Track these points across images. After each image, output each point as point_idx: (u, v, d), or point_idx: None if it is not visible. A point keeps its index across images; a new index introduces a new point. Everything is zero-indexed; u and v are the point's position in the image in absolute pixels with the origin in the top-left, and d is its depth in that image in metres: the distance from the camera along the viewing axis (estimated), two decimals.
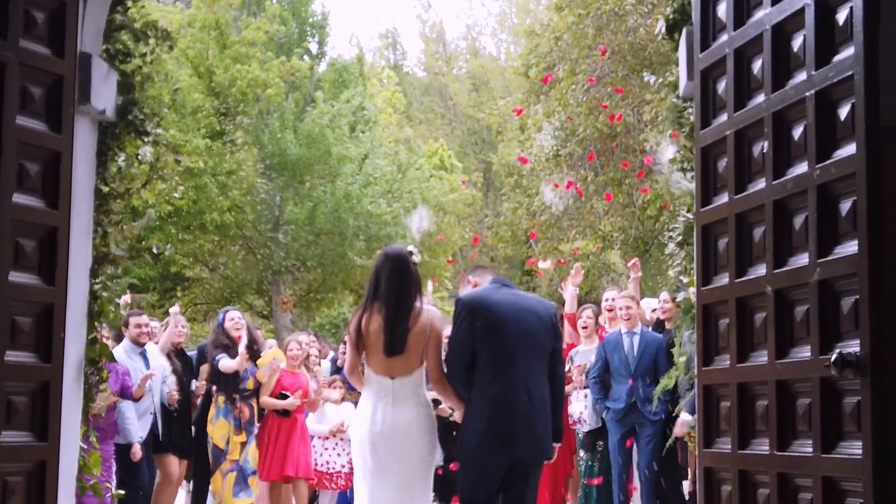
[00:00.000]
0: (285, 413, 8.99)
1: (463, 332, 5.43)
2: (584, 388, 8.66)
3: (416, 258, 5.53)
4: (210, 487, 8.76)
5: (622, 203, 17.30)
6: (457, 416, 5.57)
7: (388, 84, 33.02)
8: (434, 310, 5.52)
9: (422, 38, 40.84)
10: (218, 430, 8.63)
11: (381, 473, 5.33)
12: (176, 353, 9.05)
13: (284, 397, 8.99)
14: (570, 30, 16.55)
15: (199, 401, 9.15)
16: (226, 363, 8.67)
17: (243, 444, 8.67)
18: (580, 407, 8.65)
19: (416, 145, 28.40)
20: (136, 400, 8.13)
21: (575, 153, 16.54)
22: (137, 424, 8.13)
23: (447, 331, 5.84)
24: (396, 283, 5.39)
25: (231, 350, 8.78)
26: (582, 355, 8.87)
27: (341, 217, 21.90)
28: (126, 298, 9.41)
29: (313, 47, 25.26)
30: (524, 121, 18.27)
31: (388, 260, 5.47)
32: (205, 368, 9.02)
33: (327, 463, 9.49)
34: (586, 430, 8.63)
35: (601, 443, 8.57)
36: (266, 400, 8.93)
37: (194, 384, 9.13)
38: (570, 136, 16.55)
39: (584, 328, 9.00)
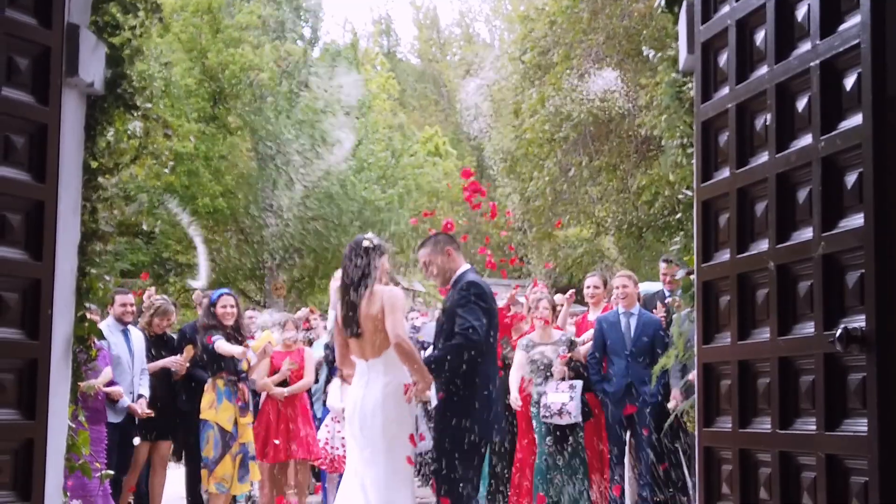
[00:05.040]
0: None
1: (488, 313, 5.78)
2: (562, 379, 8.26)
3: (370, 243, 5.79)
4: (213, 473, 8.27)
5: (616, 189, 17.25)
6: (421, 389, 5.66)
7: (381, 70, 32.89)
8: (386, 287, 5.79)
9: (416, 24, 40.75)
10: (223, 412, 8.31)
11: (354, 447, 5.84)
12: (158, 338, 8.95)
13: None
14: (564, 13, 16.46)
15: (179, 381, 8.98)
16: (224, 346, 8.28)
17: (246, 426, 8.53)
18: (563, 398, 8.13)
19: (409, 132, 28.32)
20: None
21: (570, 137, 16.48)
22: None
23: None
24: (349, 270, 5.78)
25: (219, 332, 8.50)
26: (538, 349, 8.35)
27: (335, 203, 21.82)
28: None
29: (307, 32, 25.16)
30: (518, 105, 18.17)
31: (346, 251, 5.90)
32: (189, 349, 8.85)
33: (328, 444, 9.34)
34: (566, 423, 8.16)
35: (571, 440, 8.17)
36: (260, 382, 8.89)
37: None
38: (564, 120, 16.47)
39: (540, 319, 8.40)
